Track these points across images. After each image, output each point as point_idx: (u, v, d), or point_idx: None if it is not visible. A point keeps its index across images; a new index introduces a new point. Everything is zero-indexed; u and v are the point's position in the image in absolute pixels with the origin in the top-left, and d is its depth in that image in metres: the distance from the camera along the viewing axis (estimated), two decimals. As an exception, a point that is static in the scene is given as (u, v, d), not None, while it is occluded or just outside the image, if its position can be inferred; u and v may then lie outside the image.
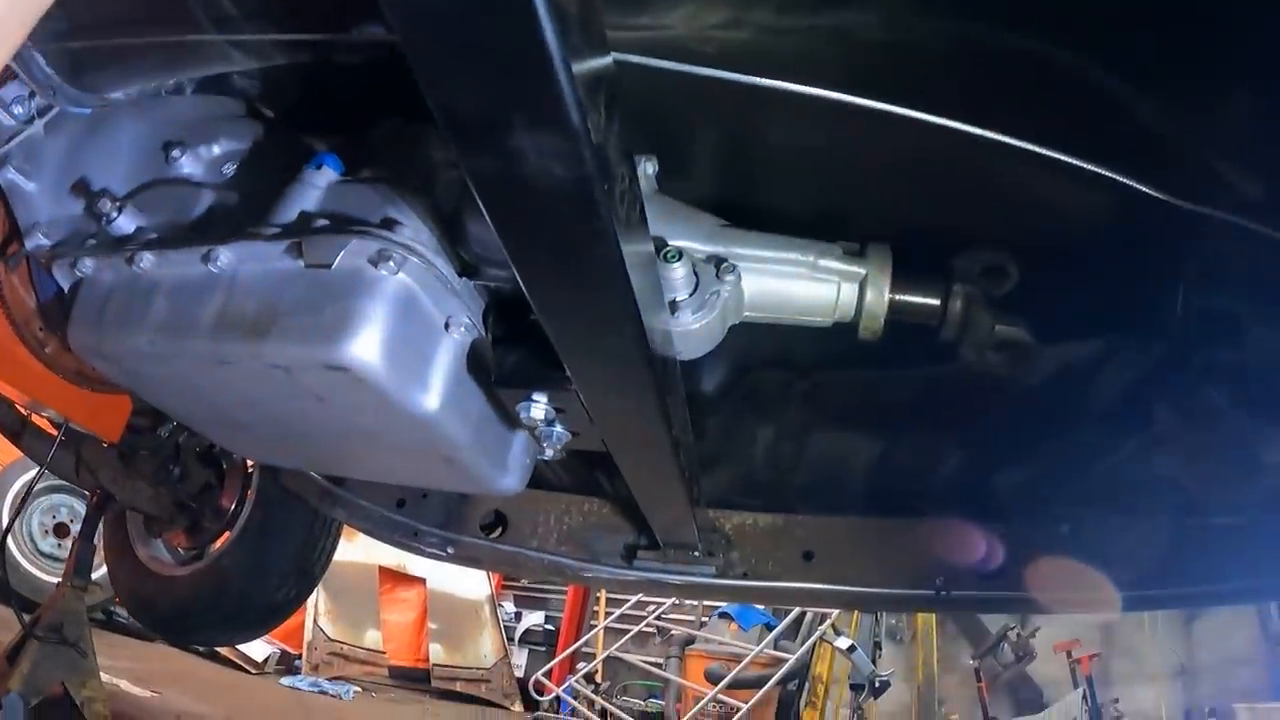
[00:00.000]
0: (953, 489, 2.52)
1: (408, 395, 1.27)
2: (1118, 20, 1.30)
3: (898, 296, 1.45)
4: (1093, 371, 1.97)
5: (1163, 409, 1.90)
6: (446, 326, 1.31)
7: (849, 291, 1.44)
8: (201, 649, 7.31)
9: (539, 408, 1.31)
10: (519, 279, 0.97)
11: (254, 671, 7.81)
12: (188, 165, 1.53)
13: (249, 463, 3.30)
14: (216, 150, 1.55)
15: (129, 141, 1.61)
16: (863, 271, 1.43)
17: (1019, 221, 1.54)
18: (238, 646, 7.56)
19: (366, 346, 1.20)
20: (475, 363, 1.35)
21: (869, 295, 1.43)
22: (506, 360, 1.32)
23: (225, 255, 1.30)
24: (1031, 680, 9.29)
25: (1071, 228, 1.56)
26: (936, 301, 1.47)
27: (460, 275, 1.32)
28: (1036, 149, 1.28)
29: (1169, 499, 2.59)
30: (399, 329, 1.23)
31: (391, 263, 1.21)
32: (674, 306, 1.29)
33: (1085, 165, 1.29)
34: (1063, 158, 1.28)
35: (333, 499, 2.41)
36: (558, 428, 1.37)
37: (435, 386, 1.30)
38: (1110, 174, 1.29)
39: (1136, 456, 2.10)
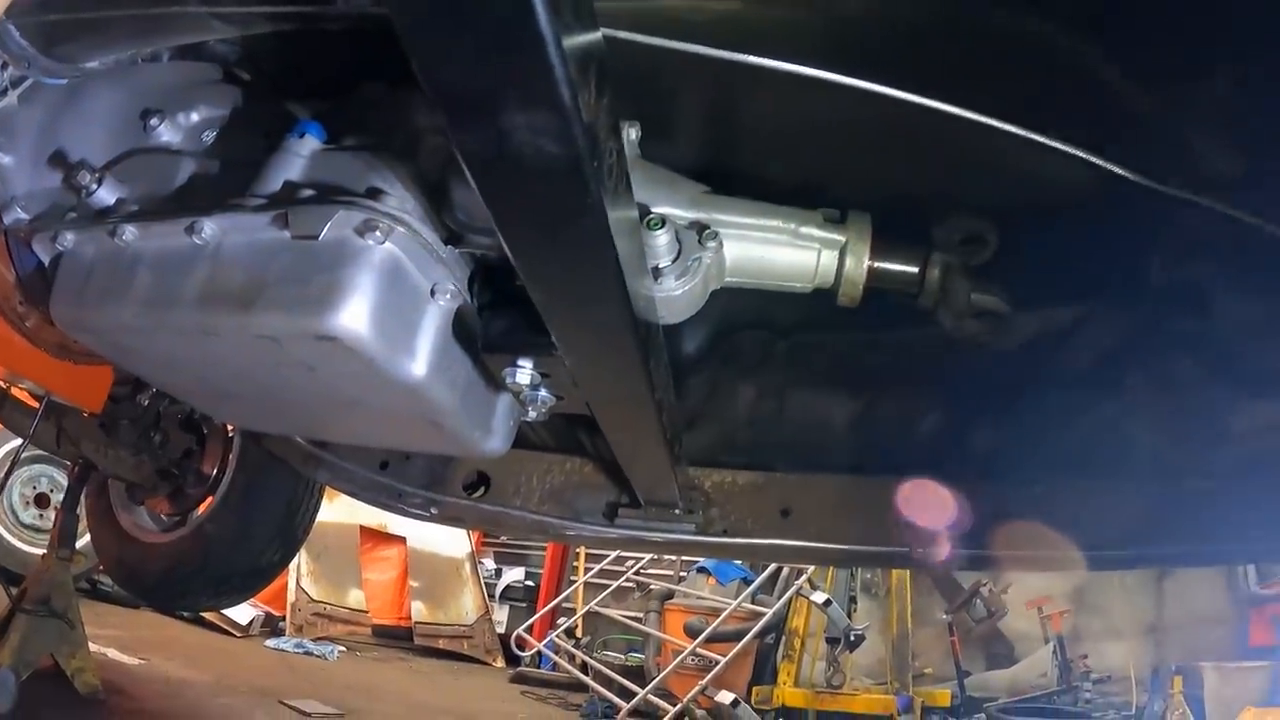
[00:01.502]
0: (929, 450, 2.56)
1: (395, 362, 1.29)
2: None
3: (876, 264, 1.47)
4: (1067, 337, 2.00)
5: (1135, 376, 1.94)
6: (433, 294, 1.32)
7: (829, 258, 1.46)
8: (187, 614, 7.33)
9: (524, 373, 1.33)
10: (506, 249, 0.99)
11: (239, 635, 7.83)
12: (166, 133, 1.52)
13: (230, 427, 3.30)
14: (195, 117, 1.54)
15: (106, 111, 1.60)
16: (842, 239, 1.46)
17: (997, 193, 1.57)
18: (223, 611, 7.58)
19: (354, 316, 1.21)
20: (461, 329, 1.36)
21: (848, 263, 1.46)
22: (493, 327, 1.34)
23: (209, 227, 1.30)
24: (1003, 635, 9.42)
25: (1048, 200, 1.59)
26: (915, 270, 1.50)
27: (446, 243, 1.33)
28: (1014, 129, 1.30)
29: (1140, 463, 2.65)
30: (386, 298, 1.24)
31: (378, 232, 1.22)
32: (657, 273, 1.31)
33: (1061, 146, 1.31)
34: (1039, 138, 1.30)
35: (316, 461, 2.42)
36: (543, 392, 1.39)
37: (422, 353, 1.31)
38: (1085, 155, 1.31)
39: (1109, 421, 2.14)
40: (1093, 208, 1.62)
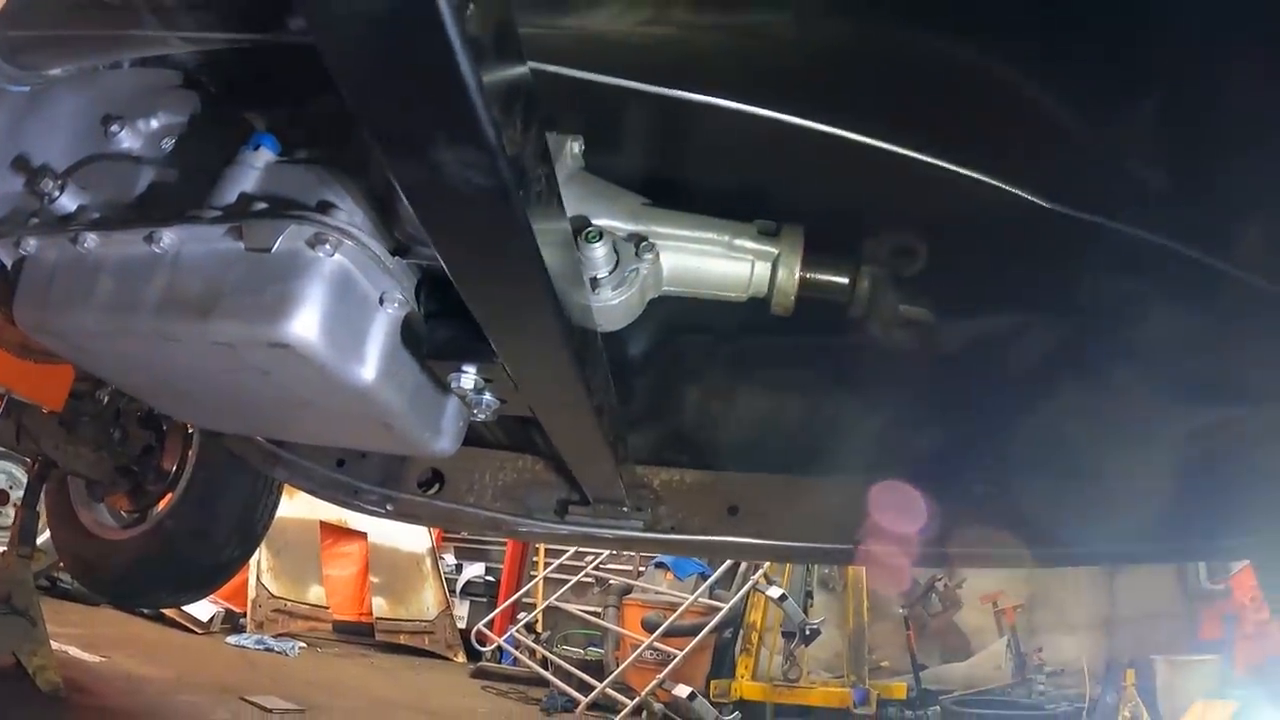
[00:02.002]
0: (873, 450, 2.63)
1: (346, 368, 1.34)
2: (1022, 32, 1.40)
3: (808, 275, 1.54)
4: (1004, 345, 2.07)
5: (1070, 383, 2.00)
6: (381, 303, 1.38)
7: (762, 269, 1.53)
8: (147, 611, 7.32)
9: (468, 378, 1.40)
10: (445, 268, 1.06)
11: (200, 632, 7.82)
12: (127, 139, 1.56)
13: (189, 424, 3.32)
14: (155, 124, 1.58)
15: (68, 116, 1.63)
16: (776, 251, 1.52)
17: (927, 209, 1.62)
18: (183, 608, 7.57)
19: (306, 325, 1.27)
20: (409, 336, 1.42)
21: (780, 274, 1.52)
22: (438, 335, 1.41)
23: (168, 236, 1.34)
24: (958, 629, 9.54)
25: (977, 217, 1.64)
26: (845, 280, 1.56)
27: (393, 254, 1.38)
28: (943, 164, 1.37)
29: (1077, 465, 2.73)
30: (336, 307, 1.30)
31: (328, 245, 1.28)
32: (595, 283, 1.38)
33: (989, 180, 1.38)
34: (965, 172, 1.38)
35: (274, 459, 2.45)
36: (487, 396, 1.45)
37: (371, 359, 1.37)
38: (1012, 189, 1.38)
39: (1046, 425, 2.21)
40: (1021, 227, 1.69)
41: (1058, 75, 1.44)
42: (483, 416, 1.53)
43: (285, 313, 1.26)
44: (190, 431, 3.35)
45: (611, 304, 1.39)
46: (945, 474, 2.50)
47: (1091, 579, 9.72)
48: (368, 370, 1.37)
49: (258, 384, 1.47)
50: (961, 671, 9.04)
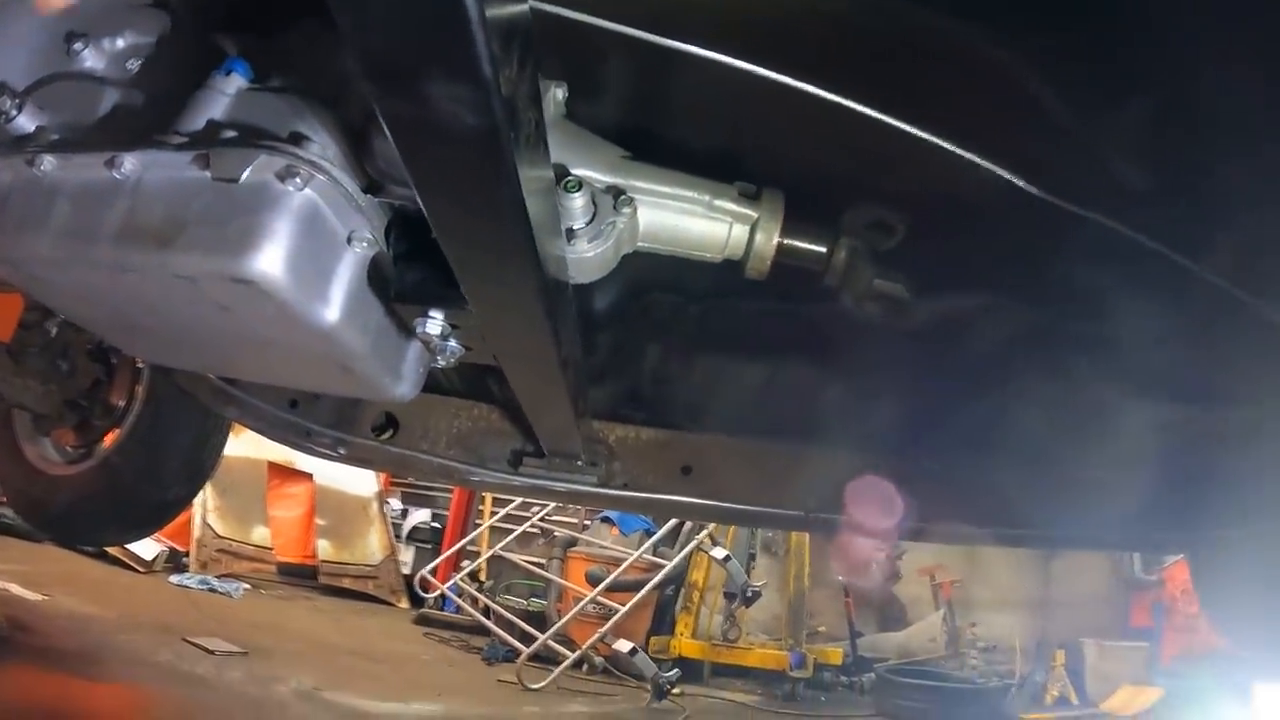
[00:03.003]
0: (829, 419, 2.63)
1: (309, 307, 1.30)
2: (1020, 17, 1.38)
3: (786, 241, 1.53)
4: (968, 326, 2.07)
5: (1031, 369, 2.01)
6: (349, 241, 1.34)
7: (740, 232, 1.51)
8: (90, 549, 7.23)
9: (435, 324, 1.36)
10: (423, 206, 1.02)
11: (143, 571, 7.74)
12: (90, 59, 1.50)
13: (139, 359, 3.25)
14: (121, 43, 1.52)
15: (29, 32, 1.55)
16: (755, 215, 1.51)
17: (910, 184, 1.61)
18: (127, 545, 7.48)
19: (271, 260, 1.22)
20: (375, 277, 1.38)
21: (758, 238, 1.51)
22: (406, 277, 1.37)
23: (130, 162, 1.29)
24: (896, 600, 9.72)
25: (958, 197, 1.64)
26: (822, 249, 1.56)
27: (365, 191, 1.35)
28: (928, 136, 1.36)
29: (1031, 449, 2.75)
30: (303, 244, 1.25)
31: (298, 179, 1.23)
32: (570, 234, 1.35)
33: (974, 159, 1.37)
34: (952, 148, 1.36)
35: (225, 398, 2.40)
36: (452, 342, 1.42)
37: (336, 300, 1.33)
38: (997, 169, 1.37)
39: (1004, 408, 2.23)
40: (1001, 209, 1.68)
41: (1052, 62, 1.43)
42: (444, 364, 1.51)
43: (250, 247, 1.22)
44: (140, 367, 3.28)
45: (586, 256, 1.37)
46: (901, 449, 2.52)
47: (1028, 560, 9.96)
48: (331, 311, 1.32)
49: (216, 320, 1.42)
50: (897, 641, 9.21)
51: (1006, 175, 1.38)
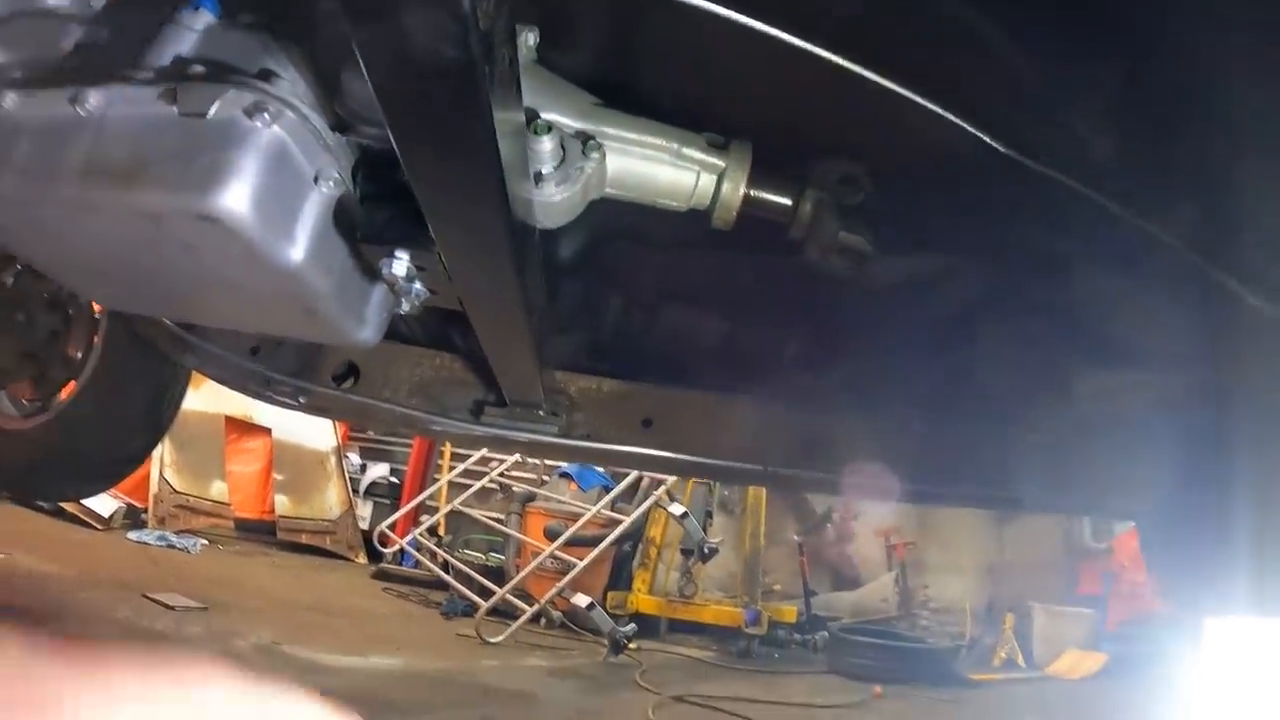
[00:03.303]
0: (792, 374, 2.66)
1: (274, 247, 1.29)
2: None
3: (752, 192, 1.54)
4: (931, 285, 2.09)
5: (991, 330, 2.04)
6: (316, 181, 1.32)
7: (707, 181, 1.52)
8: (47, 505, 7.16)
9: (401, 265, 1.35)
10: (394, 143, 1.03)
11: (100, 528, 7.68)
12: (55, -6, 1.48)
13: (97, 309, 3.21)
14: (86, -21, 1.50)
15: None
16: (722, 165, 1.52)
17: (877, 142, 1.62)
18: (83, 502, 7.41)
19: (236, 198, 1.21)
20: (342, 218, 1.37)
21: (725, 188, 1.52)
22: (373, 218, 1.36)
23: (95, 98, 1.27)
24: (850, 560, 9.85)
25: (926, 155, 1.65)
26: (788, 202, 1.57)
27: (333, 130, 1.34)
28: (899, 89, 1.37)
29: (987, 411, 2.79)
30: (269, 182, 1.24)
31: (266, 115, 1.22)
32: (538, 178, 1.35)
33: (943, 113, 1.38)
34: (922, 101, 1.37)
35: (184, 345, 2.37)
36: (417, 285, 1.42)
37: (301, 239, 1.32)
38: (965, 125, 1.38)
39: (963, 369, 2.25)
40: (969, 170, 1.70)
41: (1027, 20, 1.44)
42: (408, 308, 1.51)
43: (216, 184, 1.21)
44: (97, 317, 3.23)
45: (554, 200, 1.38)
46: (862, 405, 2.55)
47: (981, 524, 10.13)
48: (296, 250, 1.32)
49: (180, 261, 1.41)
50: (850, 600, 9.36)
51: (975, 132, 1.39)
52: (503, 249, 1.25)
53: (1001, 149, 1.40)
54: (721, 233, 1.92)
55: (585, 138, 1.42)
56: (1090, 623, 8.80)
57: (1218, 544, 3.90)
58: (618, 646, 6.23)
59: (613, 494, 7.78)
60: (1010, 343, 2.03)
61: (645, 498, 7.86)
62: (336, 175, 1.34)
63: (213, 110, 1.23)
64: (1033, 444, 2.92)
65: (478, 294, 1.48)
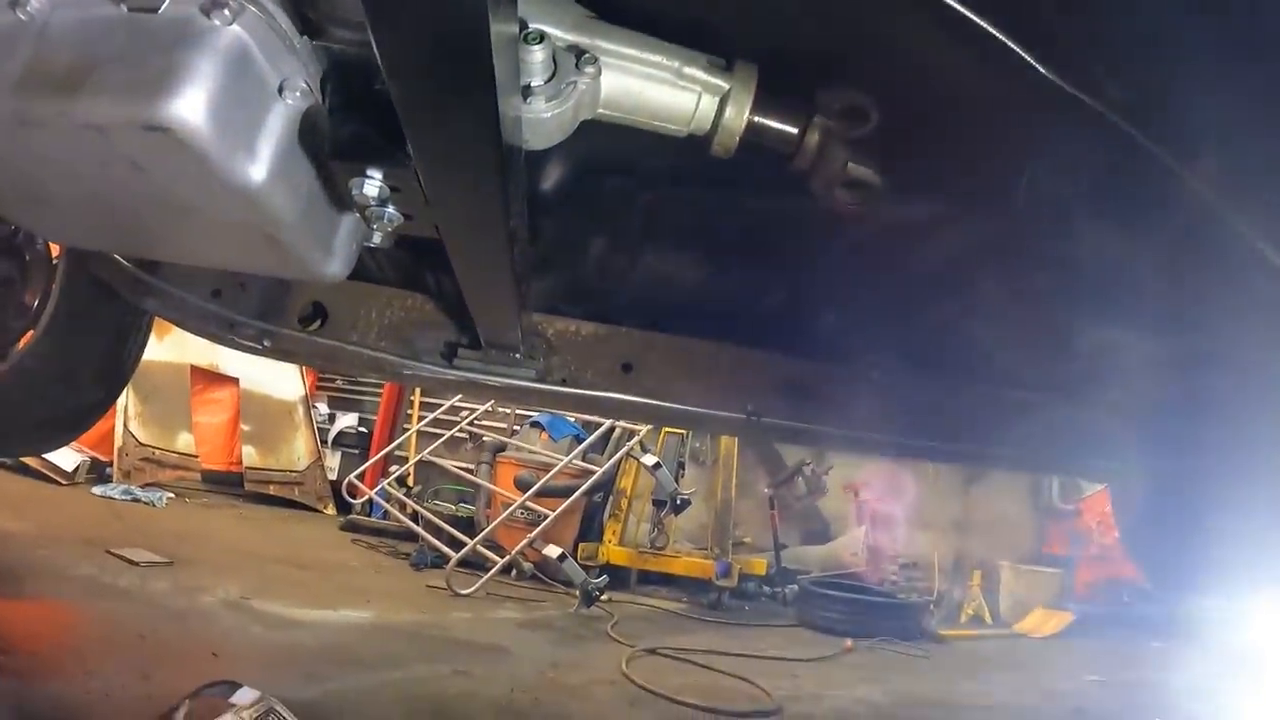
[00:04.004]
0: (776, 321, 2.58)
1: (233, 163, 1.17)
2: None
3: (757, 118, 1.45)
4: (929, 232, 2.02)
5: (989, 282, 1.96)
6: (280, 90, 1.20)
7: (709, 104, 1.43)
8: (7, 460, 7.02)
9: (373, 184, 1.24)
10: (374, 42, 0.92)
11: (64, 482, 7.55)
12: (-8, -112, 1.35)
13: (54, 254, 3.08)
14: (25, -127, 1.37)
15: None
16: (726, 86, 1.42)
17: (889, 68, 1.52)
18: (46, 456, 7.28)
19: (191, 106, 1.08)
20: (308, 132, 1.25)
21: (728, 111, 1.43)
22: (343, 131, 1.24)
23: (35, 0, 1.16)
24: (820, 514, 9.90)
25: (941, 86, 1.56)
26: (794, 130, 1.48)
27: (301, 34, 1.22)
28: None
29: (977, 365, 2.73)
30: (228, 89, 1.11)
31: (226, 12, 1.10)
32: (528, 91, 1.25)
33: (976, 20, 1.28)
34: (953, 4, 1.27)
35: (145, 288, 2.27)
36: (390, 209, 1.31)
37: (263, 155, 1.19)
38: (999, 35, 1.28)
39: (953, 322, 2.19)
40: (977, 108, 1.61)
41: None
42: (380, 238, 1.40)
43: (167, 89, 1.08)
44: (55, 262, 3.10)
45: (543, 116, 1.27)
46: (845, 356, 2.48)
47: (949, 482, 10.26)
48: (258, 168, 1.19)
49: (129, 183, 1.28)
50: (820, 554, 9.41)
51: (1001, 37, 1.28)
52: (487, 166, 1.15)
53: (1031, 60, 1.30)
54: (709, 171, 1.83)
55: (579, 52, 1.31)
56: (1058, 582, 8.93)
57: (1192, 521, 3.90)
58: (589, 598, 6.20)
59: (585, 444, 7.71)
60: (1006, 295, 1.95)
61: (617, 448, 7.82)
62: (304, 84, 1.21)
63: (165, 5, 1.11)
64: (1018, 402, 2.87)
65: (457, 219, 1.38)
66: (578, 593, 6.22)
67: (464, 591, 6.26)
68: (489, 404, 9.23)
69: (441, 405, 9.43)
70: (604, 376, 2.34)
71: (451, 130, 1.09)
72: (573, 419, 8.87)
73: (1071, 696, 5.29)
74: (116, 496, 7.54)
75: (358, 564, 7.21)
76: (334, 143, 1.24)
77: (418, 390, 10.59)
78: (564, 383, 2.29)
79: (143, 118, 1.10)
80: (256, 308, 2.26)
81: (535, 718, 3.60)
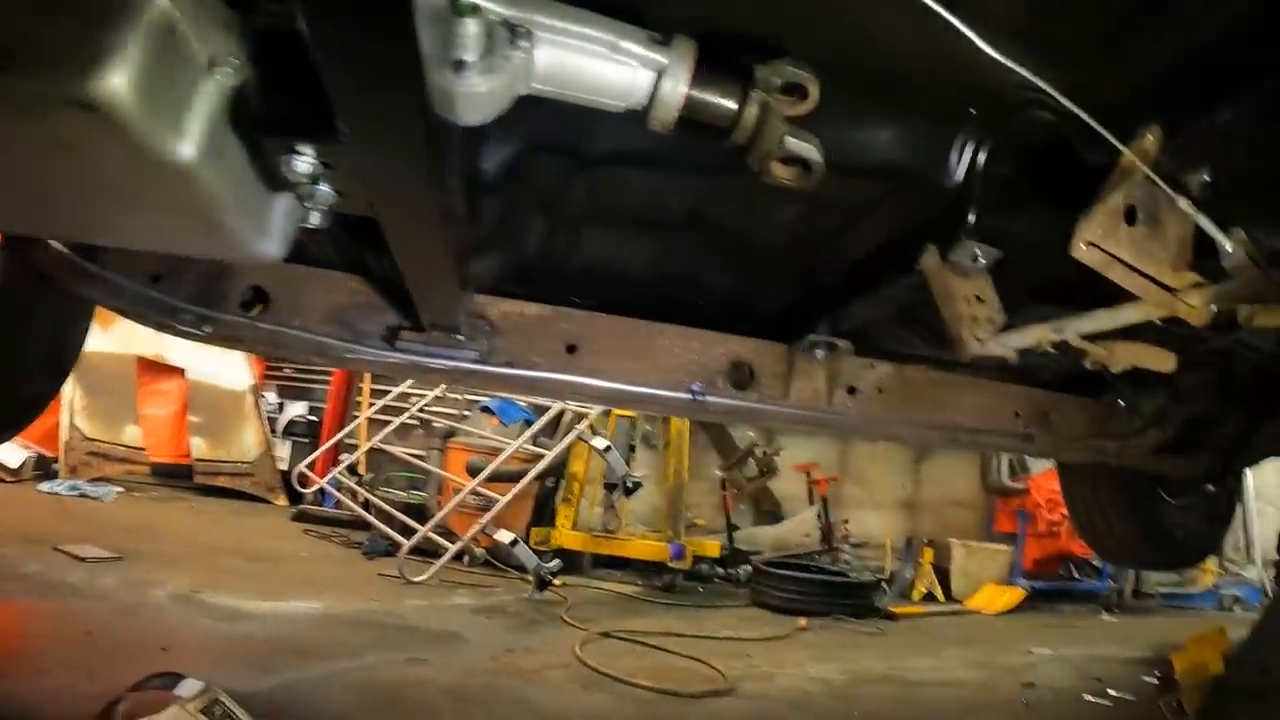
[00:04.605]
0: (720, 302, 2.60)
1: (162, 140, 1.14)
2: None
3: (694, 92, 1.44)
4: (867, 211, 2.03)
5: (927, 262, 1.97)
6: (210, 65, 1.18)
7: (646, 79, 1.42)
8: (-50, 460, 6.94)
9: (305, 161, 1.23)
10: (299, 11, 0.91)
11: (9, 479, 7.49)
12: None
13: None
14: None
15: None
16: (664, 61, 1.41)
17: (827, 48, 1.52)
18: (-12, 453, 7.20)
19: (118, 83, 1.05)
20: (239, 109, 1.22)
21: (665, 85, 1.42)
22: (274, 106, 1.23)
23: None
24: (772, 495, 10.01)
25: (873, 66, 1.58)
26: (733, 105, 1.47)
27: (230, 7, 1.20)
28: None
29: (918, 346, 2.76)
30: (156, 64, 1.09)
31: (153, -15, 1.08)
32: (460, 66, 1.23)
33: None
34: None
35: (82, 274, 2.22)
36: (324, 186, 1.30)
37: (193, 132, 1.16)
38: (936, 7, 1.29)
39: (895, 302, 2.21)
40: (914, 85, 1.63)
41: None
42: (316, 216, 1.39)
43: (93, 67, 1.05)
44: (-11, 251, 3.03)
45: (477, 91, 1.25)
46: (790, 334, 2.50)
47: (900, 462, 10.44)
48: (188, 145, 1.16)
49: (56, 164, 1.26)
50: (773, 535, 9.52)
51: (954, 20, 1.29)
52: (418, 142, 1.14)
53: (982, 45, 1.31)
54: (652, 151, 1.83)
55: (513, 25, 1.30)
56: (1007, 559, 9.09)
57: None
58: (543, 583, 6.21)
59: (534, 428, 7.69)
60: (947, 274, 1.96)
61: (568, 432, 7.82)
62: (235, 60, 1.20)
63: (90, -21, 1.09)
64: (965, 378, 2.91)
65: (391, 196, 1.36)
66: (531, 578, 6.22)
67: (416, 579, 6.24)
68: (439, 390, 9.19)
69: (391, 392, 9.37)
70: (548, 357, 2.34)
71: (379, 104, 1.08)
72: (523, 404, 8.86)
73: (1021, 671, 5.36)
74: (63, 493, 7.47)
75: (309, 554, 7.18)
76: (265, 117, 1.23)
77: (367, 377, 10.53)
78: (508, 364, 2.29)
79: (68, 95, 1.07)
80: (197, 293, 2.22)
81: (488, 703, 3.61)
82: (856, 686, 4.63)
